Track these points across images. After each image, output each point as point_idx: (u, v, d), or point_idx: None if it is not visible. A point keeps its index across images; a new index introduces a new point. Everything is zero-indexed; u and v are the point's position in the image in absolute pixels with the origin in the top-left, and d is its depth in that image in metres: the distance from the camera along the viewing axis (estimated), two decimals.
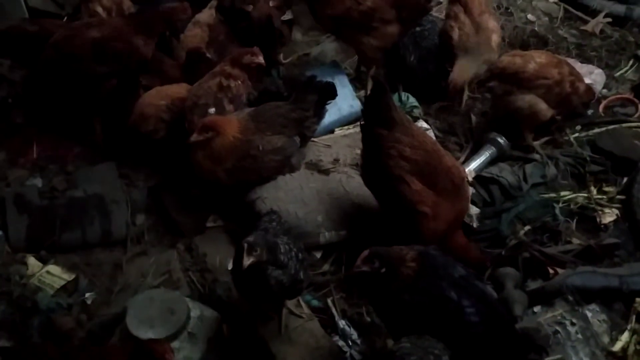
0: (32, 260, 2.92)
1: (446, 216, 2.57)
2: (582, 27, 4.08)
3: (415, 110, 3.48)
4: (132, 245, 3.04)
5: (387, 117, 2.57)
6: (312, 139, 3.20)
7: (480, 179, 3.11)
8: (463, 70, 3.37)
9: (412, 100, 3.52)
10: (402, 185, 2.52)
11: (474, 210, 2.91)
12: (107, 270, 2.95)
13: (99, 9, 3.50)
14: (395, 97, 3.61)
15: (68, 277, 2.87)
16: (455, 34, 3.41)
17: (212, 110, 3.00)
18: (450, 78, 3.36)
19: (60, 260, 2.95)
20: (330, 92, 3.12)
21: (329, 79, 3.54)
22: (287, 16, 3.75)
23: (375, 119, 2.62)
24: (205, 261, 2.92)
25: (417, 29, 3.63)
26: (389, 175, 2.55)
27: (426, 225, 2.53)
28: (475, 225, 2.88)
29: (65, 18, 4.11)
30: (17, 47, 3.43)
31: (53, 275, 2.87)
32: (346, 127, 3.49)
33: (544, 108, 3.14)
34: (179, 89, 3.19)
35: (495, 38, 3.40)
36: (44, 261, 2.94)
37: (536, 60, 3.11)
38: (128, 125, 3.15)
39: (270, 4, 3.66)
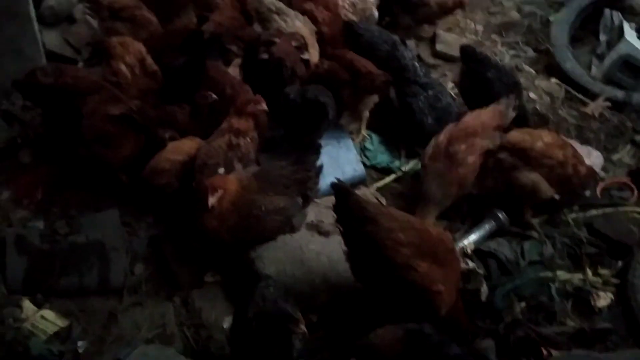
0: (27, 304, 2.90)
1: (453, 283, 2.60)
2: (582, 109, 4.19)
3: None
4: (129, 294, 3.03)
5: (366, 214, 2.55)
6: (314, 199, 3.24)
7: (478, 252, 3.15)
8: (426, 215, 3.21)
9: None
10: (410, 272, 2.48)
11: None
12: (101, 319, 2.93)
13: (122, 67, 3.55)
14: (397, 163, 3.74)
15: (62, 323, 2.85)
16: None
17: (221, 170, 3.04)
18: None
19: (55, 305, 2.94)
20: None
21: (334, 142, 3.69)
22: (307, 56, 3.84)
23: (355, 220, 2.59)
24: (200, 317, 2.91)
25: (430, 92, 3.73)
26: (393, 266, 2.51)
27: (442, 302, 2.52)
28: (483, 299, 2.90)
29: (81, 63, 4.21)
30: (32, 96, 3.52)
31: (47, 320, 2.85)
32: None
33: (545, 187, 3.21)
34: (195, 145, 3.24)
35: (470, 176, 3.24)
36: (39, 305, 2.92)
37: (544, 139, 3.21)
38: (141, 176, 3.18)
39: (293, 43, 3.76)
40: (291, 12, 4.06)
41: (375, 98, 3.73)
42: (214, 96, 3.38)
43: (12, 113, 3.82)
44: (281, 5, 4.08)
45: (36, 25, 3.88)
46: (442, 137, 3.29)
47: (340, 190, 2.64)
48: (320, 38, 4.05)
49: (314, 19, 4.07)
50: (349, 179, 3.57)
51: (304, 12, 4.10)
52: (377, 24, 4.36)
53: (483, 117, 3.33)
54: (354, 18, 4.28)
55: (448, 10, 4.53)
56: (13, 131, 3.74)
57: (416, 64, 3.82)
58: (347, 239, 2.70)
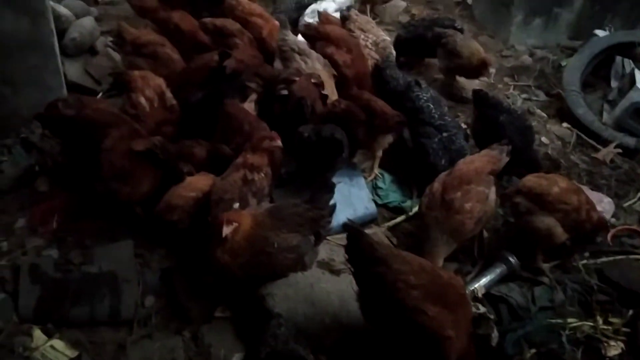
0: (37, 333, 2.92)
1: (464, 329, 2.58)
2: (594, 155, 4.23)
3: None
4: (138, 327, 3.03)
5: (378, 255, 2.54)
6: (326, 237, 3.26)
7: (489, 297, 3.14)
8: (435, 257, 3.18)
9: None
10: (420, 316, 2.47)
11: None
12: (110, 351, 2.93)
13: (142, 100, 3.63)
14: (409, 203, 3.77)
15: (71, 354, 2.86)
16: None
17: (236, 205, 3.07)
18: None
19: (65, 335, 2.94)
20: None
21: (346, 180, 3.72)
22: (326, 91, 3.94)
23: (366, 261, 2.57)
24: (209, 352, 2.89)
25: (445, 134, 3.78)
26: (403, 308, 2.49)
27: (452, 347, 2.49)
28: (493, 344, 2.88)
29: (101, 94, 4.30)
30: (53, 126, 3.58)
31: (56, 350, 2.86)
32: None
33: (559, 232, 3.22)
34: (208, 182, 3.26)
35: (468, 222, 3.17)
36: (49, 334, 2.93)
37: (559, 184, 3.23)
38: (154, 212, 3.22)
39: (312, 80, 3.86)
40: (313, 54, 4.17)
41: (389, 138, 3.78)
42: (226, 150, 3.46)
43: (31, 141, 3.89)
44: (304, 46, 4.18)
45: (59, 57, 3.99)
46: (437, 185, 3.29)
47: (352, 231, 2.64)
48: (343, 80, 4.15)
49: (336, 63, 4.18)
50: (361, 217, 3.60)
51: (325, 56, 4.20)
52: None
53: (476, 163, 3.33)
54: (376, 56, 4.39)
55: (472, 68, 4.57)
56: (31, 159, 3.80)
57: (431, 105, 3.86)
58: (358, 279, 2.70)
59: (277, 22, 4.56)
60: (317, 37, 4.39)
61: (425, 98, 3.88)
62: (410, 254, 2.73)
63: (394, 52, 4.58)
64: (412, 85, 3.95)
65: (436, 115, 3.82)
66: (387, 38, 4.69)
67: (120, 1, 5.35)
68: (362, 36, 4.53)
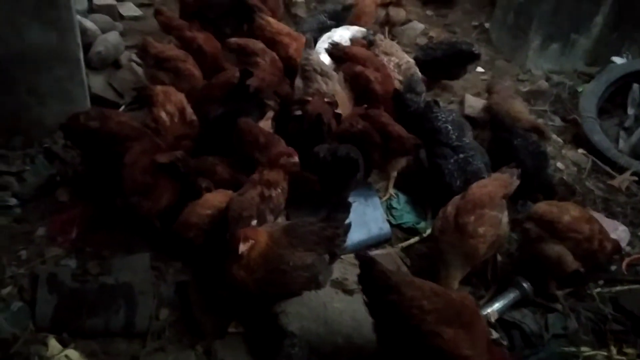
0: (53, 342, 2.94)
1: (482, 346, 2.56)
2: (609, 182, 4.23)
3: None
4: (152, 340, 3.05)
5: (390, 284, 2.55)
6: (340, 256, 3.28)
7: (502, 322, 3.14)
8: (450, 280, 3.20)
9: None
10: (436, 340, 2.47)
11: None
12: None
13: (163, 115, 3.69)
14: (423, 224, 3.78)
15: None
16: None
17: (254, 222, 3.10)
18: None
19: (80, 346, 2.97)
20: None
21: (361, 199, 3.74)
22: (339, 110, 3.97)
23: (379, 290, 2.58)
24: None
25: (461, 155, 3.79)
26: (420, 334, 2.50)
27: None
28: None
29: (123, 107, 4.37)
30: (75, 137, 3.65)
31: None
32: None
33: (570, 260, 3.22)
34: (224, 199, 3.30)
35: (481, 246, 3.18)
36: (65, 344, 2.96)
37: (571, 213, 3.23)
38: (171, 229, 3.27)
39: (325, 99, 3.90)
40: (335, 76, 4.22)
41: (403, 161, 3.80)
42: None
43: (54, 151, 3.96)
44: (327, 68, 4.23)
45: (84, 69, 4.06)
46: (450, 209, 3.29)
47: (365, 260, 2.66)
48: (374, 96, 4.18)
49: (367, 79, 4.22)
50: (375, 237, 3.62)
51: (355, 75, 4.26)
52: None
53: (489, 187, 3.33)
54: (399, 78, 4.42)
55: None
56: (53, 169, 3.86)
57: (449, 126, 3.88)
58: (372, 309, 2.70)
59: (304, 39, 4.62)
60: (344, 57, 4.44)
61: (443, 119, 3.90)
62: (421, 279, 2.72)
63: (418, 74, 4.61)
64: (431, 106, 3.98)
65: (454, 137, 3.84)
66: (410, 60, 4.71)
67: (145, 17, 5.45)
68: (385, 59, 4.57)
